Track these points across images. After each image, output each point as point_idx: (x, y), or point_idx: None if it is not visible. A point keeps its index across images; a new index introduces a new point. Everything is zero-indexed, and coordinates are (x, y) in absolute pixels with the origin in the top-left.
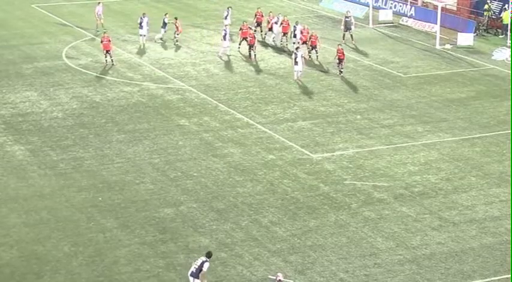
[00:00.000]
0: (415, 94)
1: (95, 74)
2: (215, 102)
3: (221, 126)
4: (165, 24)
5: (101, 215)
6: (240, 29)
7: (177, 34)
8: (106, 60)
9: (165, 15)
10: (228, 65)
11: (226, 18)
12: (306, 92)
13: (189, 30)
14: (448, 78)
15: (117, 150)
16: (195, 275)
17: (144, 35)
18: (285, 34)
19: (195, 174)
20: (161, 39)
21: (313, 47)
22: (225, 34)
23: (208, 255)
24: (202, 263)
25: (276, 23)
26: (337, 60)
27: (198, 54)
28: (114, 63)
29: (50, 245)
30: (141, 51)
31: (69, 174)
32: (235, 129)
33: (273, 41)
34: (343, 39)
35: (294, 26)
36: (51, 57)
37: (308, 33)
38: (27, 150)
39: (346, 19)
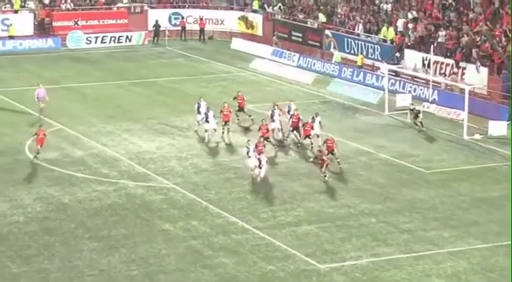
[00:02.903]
0: (439, 193)
1: (63, 170)
2: (204, 203)
3: (212, 231)
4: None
5: None
6: (260, 128)
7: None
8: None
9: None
10: (219, 159)
11: (273, 118)
12: (312, 191)
13: (173, 118)
14: (478, 174)
15: (88, 260)
16: None
17: (214, 129)
18: (294, 129)
19: None
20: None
21: (331, 151)
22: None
23: None
24: None
25: (289, 112)
26: (330, 154)
27: (184, 147)
28: (37, 158)
29: None
30: (118, 144)
31: None
32: (228, 235)
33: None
34: (418, 126)
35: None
36: (12, 151)
37: (312, 128)
38: None
39: (411, 110)
